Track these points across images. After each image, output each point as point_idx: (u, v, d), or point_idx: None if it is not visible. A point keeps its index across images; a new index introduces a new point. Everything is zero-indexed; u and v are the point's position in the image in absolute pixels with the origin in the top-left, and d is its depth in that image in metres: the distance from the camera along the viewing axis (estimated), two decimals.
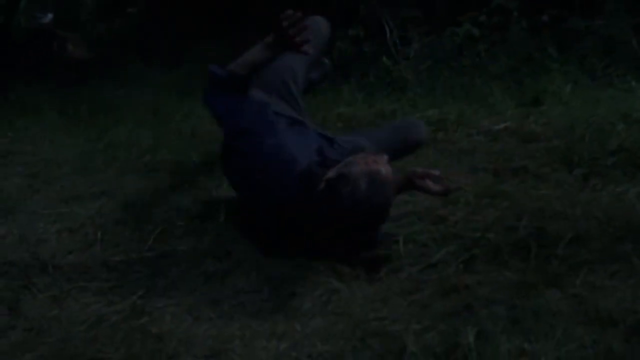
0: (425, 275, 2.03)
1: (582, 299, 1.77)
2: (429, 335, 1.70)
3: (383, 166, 2.11)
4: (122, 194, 3.02)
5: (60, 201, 3.02)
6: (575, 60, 4.43)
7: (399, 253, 2.18)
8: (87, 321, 1.96)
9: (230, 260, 2.25)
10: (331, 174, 2.11)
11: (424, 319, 1.79)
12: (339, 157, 2.25)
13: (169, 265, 2.29)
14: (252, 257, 2.26)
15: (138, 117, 4.58)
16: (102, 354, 1.78)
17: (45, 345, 1.85)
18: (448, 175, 2.54)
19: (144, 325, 1.92)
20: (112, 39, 13.77)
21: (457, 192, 2.65)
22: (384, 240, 2.29)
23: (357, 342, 1.73)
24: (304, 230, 2.21)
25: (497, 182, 2.79)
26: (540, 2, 4.86)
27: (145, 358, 1.75)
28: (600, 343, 1.58)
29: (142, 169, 3.36)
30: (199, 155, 3.39)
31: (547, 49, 4.60)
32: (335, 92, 4.84)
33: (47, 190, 3.17)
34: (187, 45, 7.63)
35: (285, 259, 2.22)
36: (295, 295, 2.01)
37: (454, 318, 1.76)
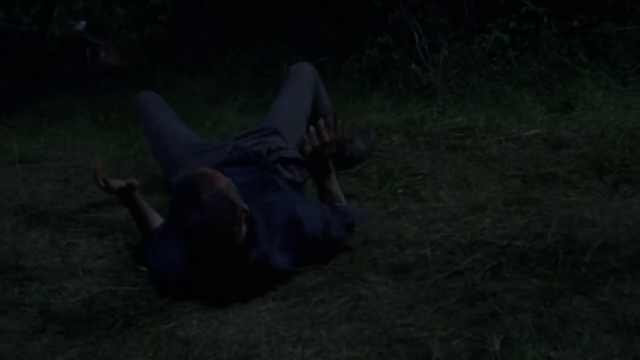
0: (451, 282, 2.02)
1: (610, 307, 1.76)
2: (455, 343, 1.70)
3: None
4: (151, 200, 3.04)
5: (90, 206, 3.07)
6: (606, 66, 4.40)
7: (426, 259, 2.18)
8: (116, 325, 1.98)
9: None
10: None
11: (450, 326, 1.78)
12: None
13: None
14: None
15: None
16: (130, 358, 1.80)
17: (75, 349, 1.88)
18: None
19: (171, 329, 1.93)
20: (143, 47, 13.93)
21: (486, 199, 2.65)
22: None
23: (383, 349, 1.72)
24: None
25: (526, 189, 2.78)
26: (570, 7, 4.84)
27: None
28: (629, 351, 1.56)
29: None
30: None
31: (577, 54, 4.58)
32: (365, 99, 4.85)
33: (78, 196, 3.22)
34: (217, 54, 7.68)
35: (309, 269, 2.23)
36: (321, 302, 2.01)
37: (480, 325, 1.75)
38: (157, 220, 2.45)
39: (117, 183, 2.35)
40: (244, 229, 2.11)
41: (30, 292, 2.20)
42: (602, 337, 1.62)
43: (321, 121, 2.43)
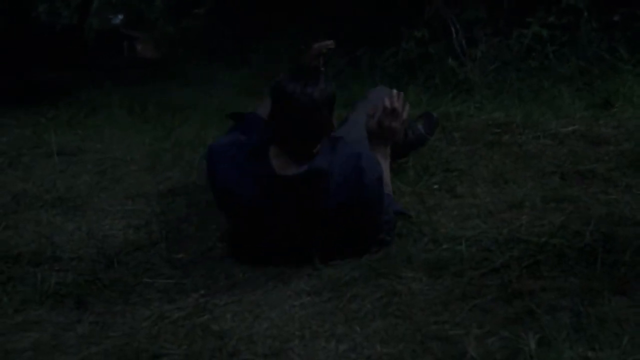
0: (487, 280, 1.99)
1: None
2: (490, 341, 1.68)
3: None
4: (187, 193, 3.07)
5: (127, 198, 3.09)
6: None
7: (462, 256, 2.16)
8: (151, 317, 1.99)
9: (291, 263, 2.25)
10: None
11: (485, 324, 1.76)
12: None
13: (231, 265, 2.31)
14: (314, 258, 2.26)
15: (204, 116, 4.65)
16: (164, 350, 1.81)
17: (110, 340, 1.89)
18: None
19: (206, 322, 1.94)
20: (180, 39, 14.02)
21: (523, 196, 2.62)
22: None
23: (417, 346, 1.71)
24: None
25: (564, 186, 2.74)
26: (611, 1, 4.75)
27: (206, 355, 1.76)
28: None
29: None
30: None
31: (618, 49, 4.50)
32: None
33: (115, 188, 3.24)
34: (253, 45, 7.69)
35: (345, 263, 2.23)
36: (355, 297, 2.00)
37: (516, 324, 1.73)
38: None
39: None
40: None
41: (67, 283, 2.22)
42: None
43: (395, 91, 2.51)
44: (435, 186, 2.91)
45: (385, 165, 2.49)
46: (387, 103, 2.50)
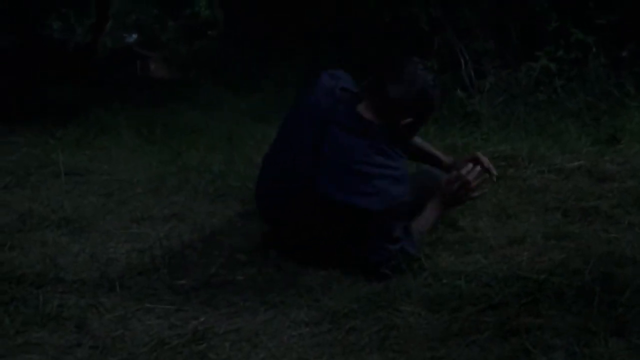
0: (485, 316, 2.00)
1: None
2: None
3: None
4: (192, 218, 3.08)
5: (132, 221, 3.11)
6: None
7: (461, 291, 2.17)
8: (150, 343, 2.00)
9: (291, 292, 2.27)
10: None
11: None
12: None
13: (232, 292, 2.33)
14: (314, 289, 2.27)
15: (212, 141, 4.68)
16: None
17: None
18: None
19: (204, 350, 1.95)
20: (192, 60, 14.09)
21: (525, 232, 2.63)
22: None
23: None
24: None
25: (566, 223, 2.75)
26: (619, 38, 4.78)
27: None
28: None
29: (212, 193, 3.43)
30: None
31: (625, 85, 4.52)
32: None
33: (120, 211, 3.26)
34: (263, 71, 7.74)
35: (345, 292, 2.24)
36: (354, 330, 2.01)
37: None
38: None
39: None
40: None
41: (69, 306, 2.24)
42: None
43: (478, 169, 2.63)
44: None
45: (433, 219, 2.61)
46: (470, 177, 2.57)
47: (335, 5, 6.83)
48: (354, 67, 6.04)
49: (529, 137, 4.33)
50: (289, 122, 2.59)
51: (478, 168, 2.60)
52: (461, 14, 5.12)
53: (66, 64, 15.51)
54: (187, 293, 2.35)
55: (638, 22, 4.76)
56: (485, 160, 2.70)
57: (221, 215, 3.12)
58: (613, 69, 4.66)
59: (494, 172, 2.73)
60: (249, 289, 2.33)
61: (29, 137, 5.22)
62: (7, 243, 2.80)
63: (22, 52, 14.91)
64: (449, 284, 2.22)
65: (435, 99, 2.45)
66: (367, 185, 2.32)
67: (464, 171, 2.56)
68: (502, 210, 2.91)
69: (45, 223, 3.06)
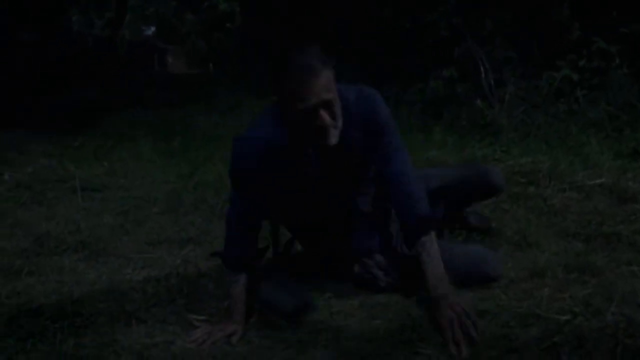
0: None
1: None
2: None
3: None
4: (208, 242, 3.07)
5: (148, 245, 3.11)
6: None
7: (481, 331, 2.13)
8: None
9: (309, 330, 2.24)
10: None
11: None
12: None
13: (249, 328, 2.30)
14: (331, 327, 2.25)
15: (228, 153, 4.65)
16: None
17: None
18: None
19: None
20: (210, 53, 14.06)
21: (546, 262, 2.59)
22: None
23: None
24: None
25: (588, 251, 2.70)
26: None
27: None
28: None
29: None
30: None
31: None
32: (427, 133, 4.80)
33: (137, 232, 3.26)
34: None
35: (363, 330, 2.21)
36: None
37: None
38: None
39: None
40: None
41: (85, 345, 2.22)
42: None
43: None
44: None
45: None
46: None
47: (352, 11, 6.77)
48: (371, 74, 6.03)
49: (550, 149, 4.28)
50: None
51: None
52: (482, 22, 5.05)
53: (87, 59, 15.58)
54: None
55: None
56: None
57: None
58: (636, 79, 4.59)
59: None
60: (265, 326, 2.31)
61: (46, 146, 5.25)
62: (25, 269, 2.82)
63: (45, 46, 15.01)
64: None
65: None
66: None
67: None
68: (523, 238, 2.86)
69: (62, 247, 3.08)
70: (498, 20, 5.02)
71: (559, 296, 2.32)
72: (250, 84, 7.79)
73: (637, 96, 4.48)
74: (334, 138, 2.25)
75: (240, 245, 2.46)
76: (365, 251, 2.51)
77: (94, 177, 4.22)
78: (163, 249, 3.05)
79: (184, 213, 3.46)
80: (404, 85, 5.49)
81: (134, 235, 3.23)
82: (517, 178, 3.77)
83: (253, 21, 10.58)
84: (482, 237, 2.91)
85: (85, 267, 2.87)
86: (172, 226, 3.31)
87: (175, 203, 3.60)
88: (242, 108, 6.77)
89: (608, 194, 3.40)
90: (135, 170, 4.37)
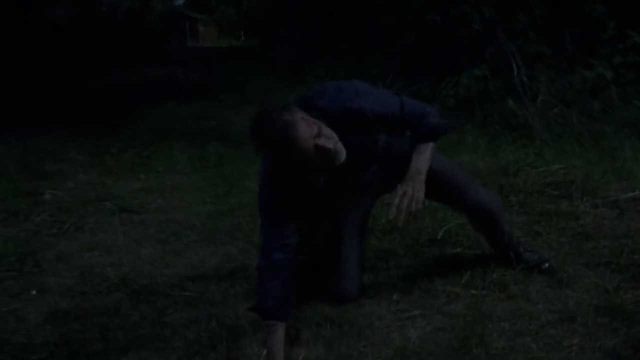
0: None
1: None
2: None
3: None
4: (244, 278, 3.11)
5: (187, 279, 3.17)
6: None
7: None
8: None
9: None
10: None
11: None
12: None
13: None
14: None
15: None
16: None
17: None
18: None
19: None
20: (240, 23, 13.97)
21: (577, 304, 2.61)
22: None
23: None
24: None
25: (619, 289, 2.71)
26: None
27: None
28: None
29: None
30: None
31: None
32: (459, 134, 4.80)
33: (176, 265, 3.34)
34: (312, 64, 7.71)
35: None
36: None
37: None
38: None
39: None
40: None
41: None
42: None
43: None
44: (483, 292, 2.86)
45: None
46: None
47: (383, 5, 6.71)
48: (405, 69, 6.01)
49: (584, 152, 4.26)
50: None
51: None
52: (514, 16, 4.98)
53: (119, 35, 15.64)
54: None
55: None
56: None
57: None
58: None
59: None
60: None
61: (83, 153, 5.35)
62: (71, 313, 2.90)
63: (79, 22, 15.07)
64: None
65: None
66: None
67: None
68: (553, 274, 2.87)
69: (105, 284, 3.16)
70: (530, 14, 4.93)
71: (588, 346, 2.35)
72: (282, 72, 7.81)
73: None
74: (341, 154, 2.42)
75: (272, 296, 2.51)
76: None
77: (132, 194, 4.31)
78: (201, 285, 3.12)
79: (220, 243, 3.53)
80: (437, 80, 5.45)
81: (173, 268, 3.31)
82: (550, 191, 3.78)
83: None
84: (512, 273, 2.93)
85: (128, 308, 2.95)
86: (210, 256, 3.40)
87: (213, 229, 3.68)
88: (274, 98, 6.80)
89: None
90: (171, 187, 4.45)
